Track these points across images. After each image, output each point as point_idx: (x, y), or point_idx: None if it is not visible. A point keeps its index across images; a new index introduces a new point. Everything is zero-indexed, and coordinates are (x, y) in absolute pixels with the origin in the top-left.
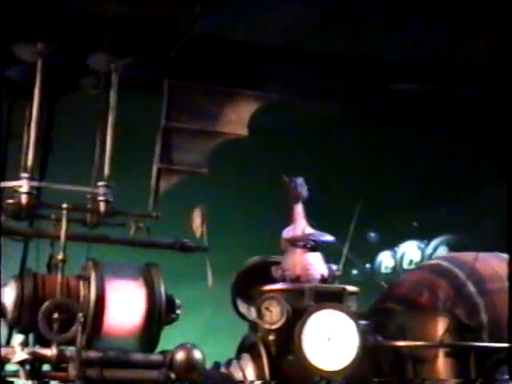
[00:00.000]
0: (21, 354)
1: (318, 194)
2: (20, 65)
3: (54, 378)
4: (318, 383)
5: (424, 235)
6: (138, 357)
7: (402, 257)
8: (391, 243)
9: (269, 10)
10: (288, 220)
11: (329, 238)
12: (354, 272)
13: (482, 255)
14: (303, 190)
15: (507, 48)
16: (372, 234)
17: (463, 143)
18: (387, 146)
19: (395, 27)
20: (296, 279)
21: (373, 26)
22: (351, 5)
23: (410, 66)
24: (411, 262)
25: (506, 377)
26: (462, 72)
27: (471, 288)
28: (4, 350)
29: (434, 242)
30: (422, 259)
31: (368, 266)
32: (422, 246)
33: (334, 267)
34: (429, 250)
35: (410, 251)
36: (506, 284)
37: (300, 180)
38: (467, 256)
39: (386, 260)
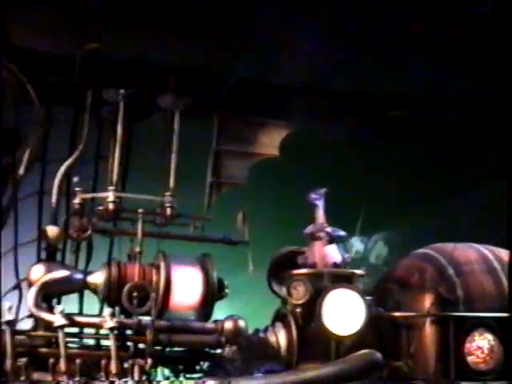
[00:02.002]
0: (110, 323)
1: (337, 198)
2: (107, 105)
3: (135, 341)
4: None
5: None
6: (197, 325)
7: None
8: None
9: (294, 58)
10: (311, 220)
11: (341, 233)
12: None
13: (459, 245)
14: (318, 200)
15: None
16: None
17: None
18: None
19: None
20: (313, 265)
21: (380, 68)
22: (362, 52)
23: (409, 99)
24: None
25: None
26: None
27: (450, 271)
28: (98, 319)
29: (373, 238)
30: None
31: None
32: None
33: (346, 256)
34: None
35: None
36: (477, 266)
37: (321, 191)
38: (447, 246)
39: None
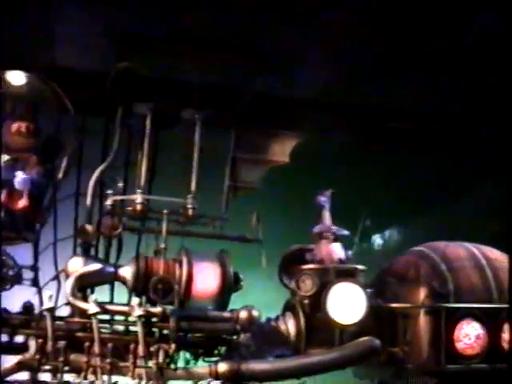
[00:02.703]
0: (138, 311)
1: (342, 201)
2: (136, 117)
3: (160, 328)
4: None
5: None
6: (215, 314)
7: None
8: None
9: (303, 75)
10: (318, 220)
11: (345, 232)
12: None
13: (450, 244)
14: (325, 202)
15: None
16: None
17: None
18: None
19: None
20: (320, 261)
21: (381, 84)
22: (365, 68)
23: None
24: None
25: None
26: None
27: (442, 266)
28: (127, 308)
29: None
30: None
31: None
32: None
33: (349, 253)
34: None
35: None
36: (466, 263)
37: (327, 193)
38: (440, 244)
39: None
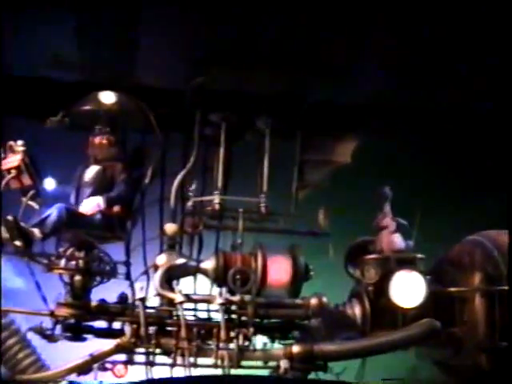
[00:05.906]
0: (219, 300)
1: (399, 196)
2: (212, 126)
3: (239, 314)
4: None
5: None
6: (288, 301)
7: None
8: None
9: (361, 82)
10: (379, 214)
11: (404, 222)
12: None
13: (500, 232)
14: (385, 197)
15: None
16: None
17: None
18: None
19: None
20: (382, 251)
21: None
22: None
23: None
24: None
25: None
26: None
27: (495, 253)
28: (209, 297)
29: None
30: None
31: None
32: None
33: (410, 243)
34: None
35: None
36: None
37: (388, 190)
38: (491, 233)
39: None
